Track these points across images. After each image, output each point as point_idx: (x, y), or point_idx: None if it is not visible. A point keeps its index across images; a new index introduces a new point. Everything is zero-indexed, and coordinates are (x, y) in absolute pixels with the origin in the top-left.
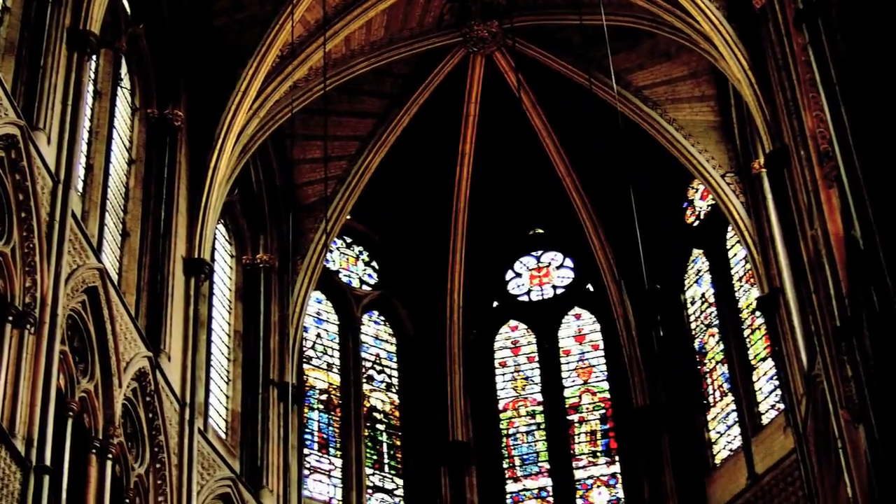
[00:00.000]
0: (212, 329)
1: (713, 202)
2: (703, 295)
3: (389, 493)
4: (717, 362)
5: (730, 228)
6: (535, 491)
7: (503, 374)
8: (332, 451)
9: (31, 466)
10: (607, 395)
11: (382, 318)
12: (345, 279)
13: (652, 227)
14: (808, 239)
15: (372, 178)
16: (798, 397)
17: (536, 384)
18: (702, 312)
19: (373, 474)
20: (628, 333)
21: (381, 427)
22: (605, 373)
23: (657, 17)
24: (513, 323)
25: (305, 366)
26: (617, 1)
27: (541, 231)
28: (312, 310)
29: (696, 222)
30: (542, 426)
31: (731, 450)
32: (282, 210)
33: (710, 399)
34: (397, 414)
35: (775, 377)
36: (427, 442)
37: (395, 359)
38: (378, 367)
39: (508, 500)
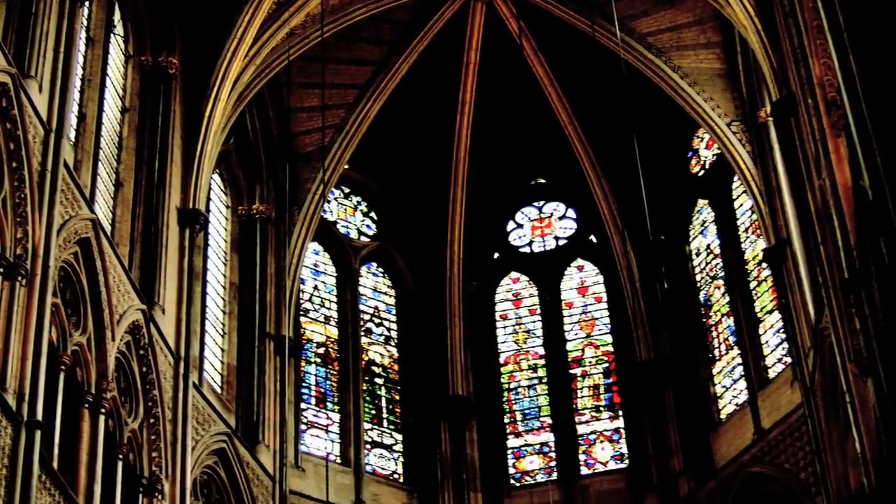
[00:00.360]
0: (207, 281)
1: (719, 151)
2: (708, 246)
3: (388, 448)
4: (722, 315)
5: (735, 178)
6: (537, 446)
7: (504, 327)
8: (329, 405)
9: (22, 421)
10: (610, 348)
11: (381, 269)
12: (343, 230)
13: (656, 177)
14: (815, 189)
15: (370, 127)
16: (805, 350)
17: (538, 337)
18: (707, 264)
19: (371, 429)
20: (632, 285)
21: (379, 381)
22: (609, 326)
23: None
24: (514, 275)
25: (302, 318)
26: None
27: (543, 181)
28: (309, 261)
29: (702, 172)
30: (544, 380)
31: (736, 404)
32: (278, 159)
33: (716, 352)
34: (396, 368)
35: (782, 330)
36: (427, 396)
37: (393, 311)
38: (377, 320)
39: (509, 456)
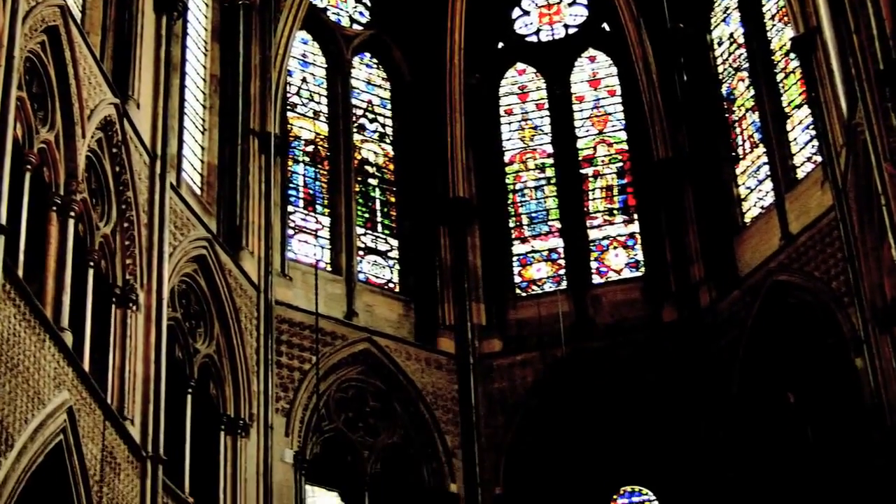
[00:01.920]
0: (185, 73)
1: None
2: (731, 35)
3: (383, 254)
4: (746, 110)
5: None
6: (545, 252)
7: (509, 123)
8: (319, 208)
9: None
10: (625, 146)
11: (375, 60)
12: (333, 17)
13: None
14: None
15: None
16: (837, 149)
17: (546, 134)
18: (730, 54)
19: (364, 234)
20: (648, 78)
21: (373, 182)
22: (623, 121)
23: None
24: (520, 66)
25: (289, 114)
26: None
27: None
28: (297, 51)
29: None
30: (553, 181)
31: (762, 207)
32: None
33: (740, 151)
34: (391, 167)
35: (812, 126)
36: (425, 198)
37: (389, 106)
38: (370, 116)
39: (515, 263)
